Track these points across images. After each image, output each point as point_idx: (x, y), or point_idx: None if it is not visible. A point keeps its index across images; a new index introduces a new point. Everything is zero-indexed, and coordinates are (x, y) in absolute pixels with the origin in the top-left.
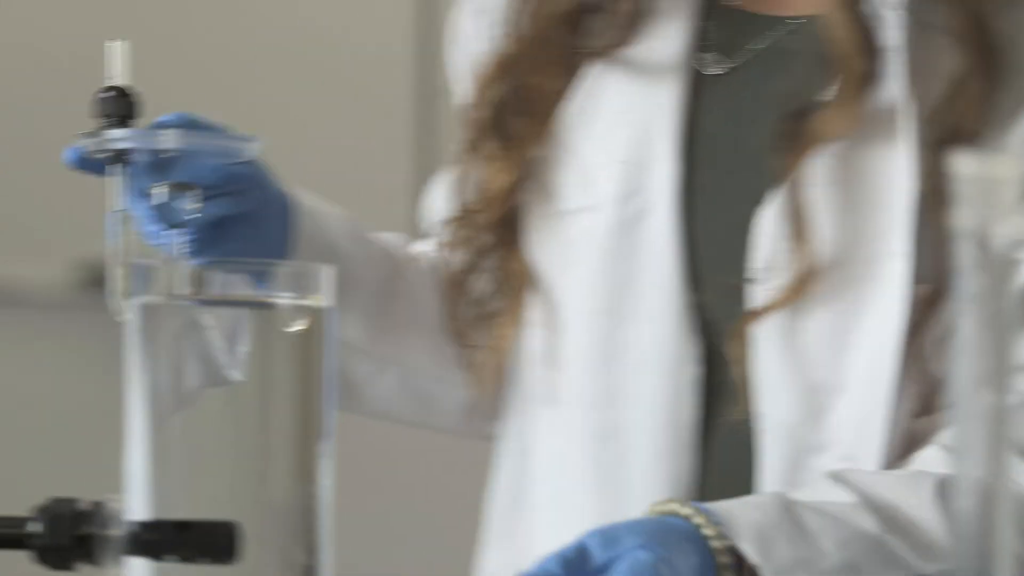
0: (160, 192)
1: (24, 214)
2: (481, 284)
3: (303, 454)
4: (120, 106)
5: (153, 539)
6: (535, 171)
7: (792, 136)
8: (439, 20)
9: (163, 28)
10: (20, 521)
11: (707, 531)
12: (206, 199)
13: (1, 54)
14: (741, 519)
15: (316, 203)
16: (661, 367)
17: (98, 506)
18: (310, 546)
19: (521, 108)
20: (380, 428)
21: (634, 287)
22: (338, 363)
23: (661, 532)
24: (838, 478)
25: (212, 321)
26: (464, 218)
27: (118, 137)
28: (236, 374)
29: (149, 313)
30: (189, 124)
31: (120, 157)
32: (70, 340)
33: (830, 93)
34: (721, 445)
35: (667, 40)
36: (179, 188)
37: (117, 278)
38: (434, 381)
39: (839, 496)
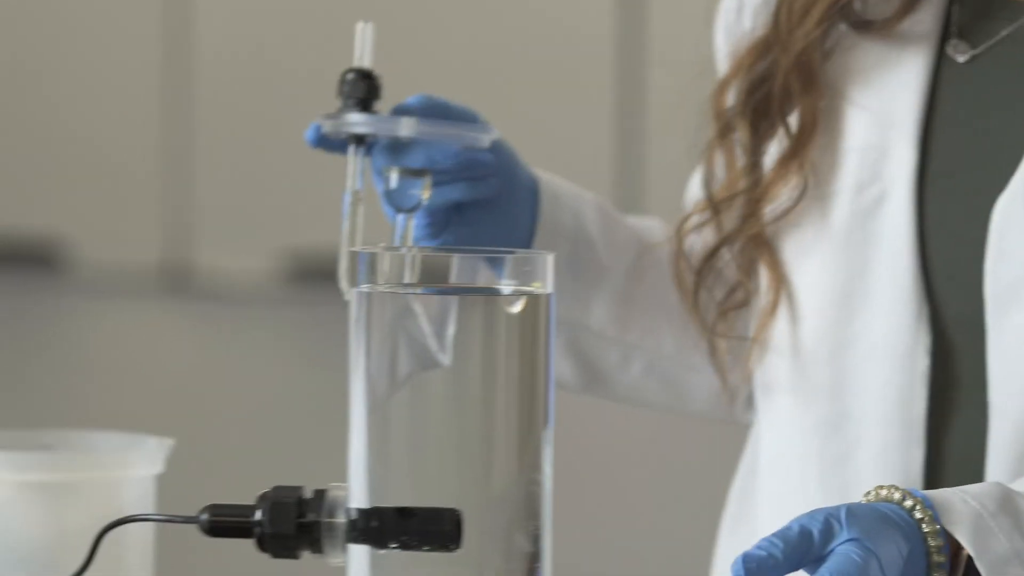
0: (392, 176)
1: (232, 206)
2: (725, 271)
3: (526, 441)
4: (363, 88)
5: (376, 527)
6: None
7: None
8: (641, 4)
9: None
10: (245, 510)
11: (922, 521)
12: (442, 184)
13: (216, 48)
14: (958, 507)
15: (565, 187)
16: (892, 358)
17: (321, 494)
18: (533, 534)
19: (776, 91)
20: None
21: (868, 277)
22: (586, 349)
23: (877, 524)
24: None
25: (427, 308)
26: (710, 204)
27: (357, 121)
28: (445, 359)
29: (372, 301)
30: (432, 107)
31: (359, 139)
32: (280, 332)
33: None
34: (952, 438)
35: (916, 23)
36: (412, 173)
37: (347, 259)
38: (682, 368)
39: None
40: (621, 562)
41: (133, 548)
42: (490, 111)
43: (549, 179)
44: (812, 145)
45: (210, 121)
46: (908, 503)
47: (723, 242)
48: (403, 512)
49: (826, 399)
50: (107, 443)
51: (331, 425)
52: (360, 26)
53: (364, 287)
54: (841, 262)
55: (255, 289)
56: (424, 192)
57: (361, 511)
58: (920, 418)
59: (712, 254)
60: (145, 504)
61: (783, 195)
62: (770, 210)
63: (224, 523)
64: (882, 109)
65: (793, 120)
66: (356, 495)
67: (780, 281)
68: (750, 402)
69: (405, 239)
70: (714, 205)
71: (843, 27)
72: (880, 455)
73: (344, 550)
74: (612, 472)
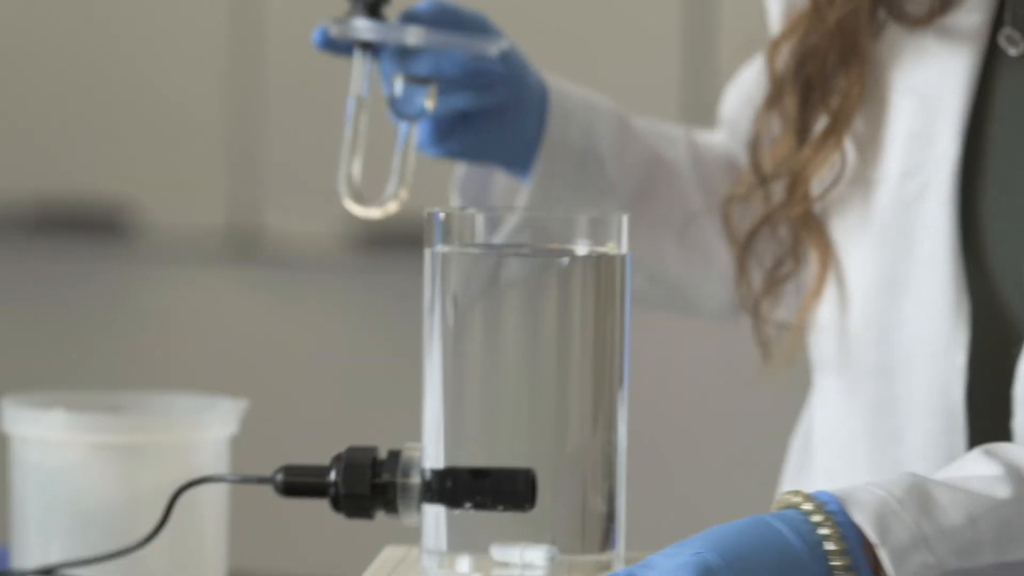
0: (397, 83)
1: (300, 169)
2: (772, 247)
3: (600, 401)
4: None
5: (450, 487)
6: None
7: None
8: None
9: None
10: (319, 470)
11: (816, 518)
12: (448, 92)
13: (285, 8)
14: (863, 497)
15: (579, 99)
16: (933, 349)
17: (396, 455)
18: (607, 494)
19: (826, 64)
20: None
21: (910, 266)
22: None
23: (734, 535)
24: (988, 451)
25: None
26: (756, 172)
27: (363, 27)
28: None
29: (447, 261)
30: (441, 14)
31: (366, 45)
32: (349, 296)
33: None
34: (995, 429)
35: (969, 13)
36: (417, 81)
37: (347, 163)
38: (687, 281)
39: (985, 469)
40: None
41: (207, 509)
42: (547, 48)
43: (562, 91)
44: (849, 123)
45: (278, 84)
46: (807, 507)
47: (769, 214)
48: (477, 472)
49: (873, 382)
50: (181, 405)
51: (403, 387)
52: None
53: (439, 247)
54: (886, 250)
55: (323, 253)
56: (428, 101)
57: (436, 471)
58: (959, 409)
59: (758, 227)
60: (219, 465)
61: (825, 175)
62: (815, 189)
63: (299, 483)
64: (930, 96)
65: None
66: (430, 456)
67: (828, 261)
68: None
69: (407, 147)
70: (760, 175)
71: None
72: (926, 441)
73: (418, 510)
74: (682, 432)
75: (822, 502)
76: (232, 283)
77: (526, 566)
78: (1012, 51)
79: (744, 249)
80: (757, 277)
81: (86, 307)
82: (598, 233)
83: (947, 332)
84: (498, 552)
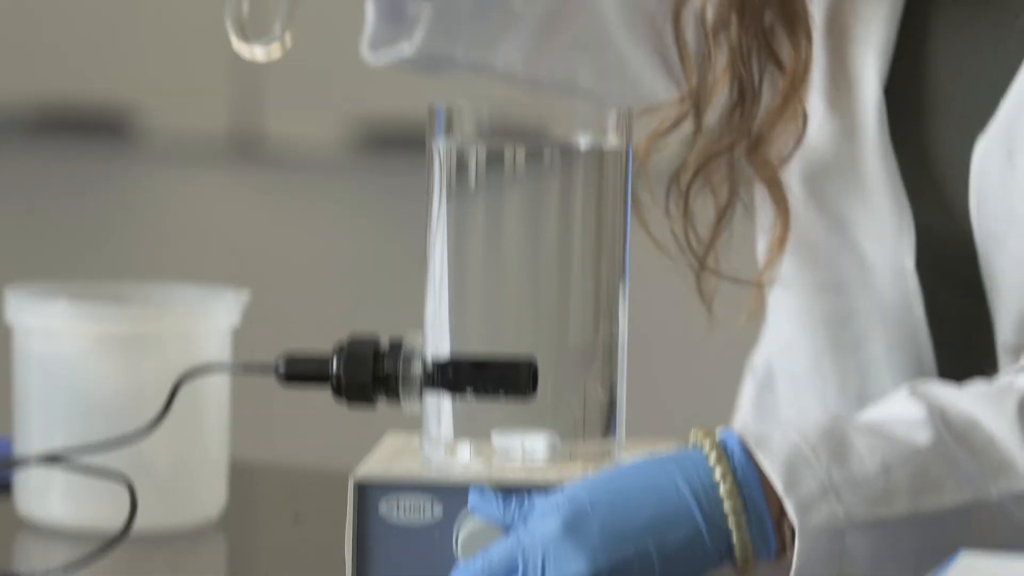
0: None
1: (302, 72)
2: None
3: (602, 292)
4: None
5: (452, 376)
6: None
7: None
8: None
9: None
10: (322, 358)
11: (713, 462)
12: None
13: None
14: (775, 442)
15: None
16: (885, 270)
17: (398, 343)
18: (608, 382)
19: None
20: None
21: (851, 194)
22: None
23: (621, 477)
24: (914, 391)
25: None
26: (694, 108)
27: None
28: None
29: (451, 154)
30: None
31: None
32: (350, 197)
33: None
34: (958, 340)
35: None
36: None
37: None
38: (603, 90)
39: (909, 412)
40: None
41: (209, 399)
42: None
43: None
44: (806, 81)
45: None
46: (707, 450)
47: (708, 158)
48: (479, 362)
49: (832, 296)
50: (184, 295)
51: (405, 283)
52: None
53: (442, 140)
54: (828, 175)
55: (325, 155)
56: None
57: (437, 360)
58: (919, 313)
59: (697, 172)
60: (221, 356)
61: (782, 138)
62: (773, 152)
63: (300, 371)
64: (858, 41)
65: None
66: (432, 345)
67: (788, 221)
68: None
69: None
70: (698, 108)
71: None
72: (889, 349)
73: (420, 398)
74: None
75: (726, 448)
76: (235, 185)
77: (527, 453)
78: None
79: (686, 195)
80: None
81: (90, 209)
82: (600, 126)
83: (893, 240)
84: (499, 439)
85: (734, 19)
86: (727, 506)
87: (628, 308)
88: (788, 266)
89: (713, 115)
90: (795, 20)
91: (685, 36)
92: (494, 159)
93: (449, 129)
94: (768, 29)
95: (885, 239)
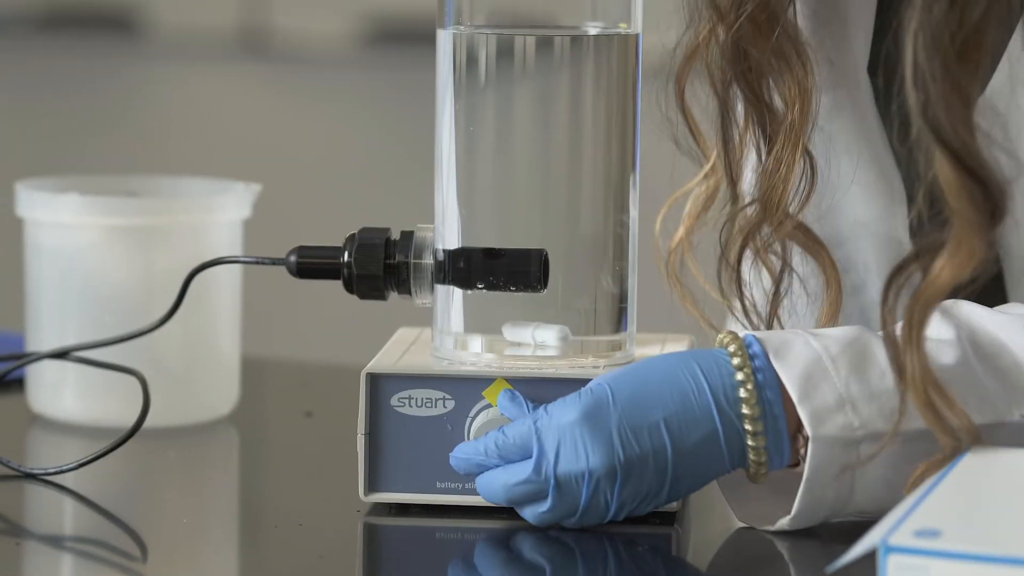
0: None
1: None
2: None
3: (613, 184)
4: None
5: (463, 267)
6: None
7: None
8: None
9: None
10: (333, 251)
11: (737, 362)
12: None
13: None
14: (795, 350)
15: None
16: (876, 214)
17: (408, 235)
18: (619, 275)
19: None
20: None
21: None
22: None
23: (645, 370)
24: (947, 312)
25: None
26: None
27: None
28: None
29: (462, 42)
30: None
31: None
32: (359, 92)
33: None
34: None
35: None
36: None
37: None
38: None
39: (938, 331)
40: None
41: (221, 293)
42: None
43: None
44: (807, 126)
45: None
46: (732, 350)
47: (749, 234)
48: (490, 252)
49: (834, 248)
50: (195, 188)
51: (414, 177)
52: None
53: (451, 28)
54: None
55: (333, 49)
56: None
57: (448, 252)
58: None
59: (742, 248)
60: (233, 248)
61: (797, 183)
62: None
63: (312, 264)
64: (852, 25)
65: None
66: (443, 238)
67: (838, 282)
68: None
69: None
70: (730, 177)
71: None
72: None
73: (431, 291)
74: None
75: (750, 351)
76: (243, 80)
77: (539, 345)
78: None
79: (737, 271)
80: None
81: (98, 104)
82: (610, 12)
83: (885, 202)
84: (510, 332)
85: (731, 73)
86: (745, 410)
87: (639, 200)
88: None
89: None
90: (789, 58)
91: (692, 110)
92: (504, 49)
93: (458, 19)
94: (757, 78)
95: (876, 191)
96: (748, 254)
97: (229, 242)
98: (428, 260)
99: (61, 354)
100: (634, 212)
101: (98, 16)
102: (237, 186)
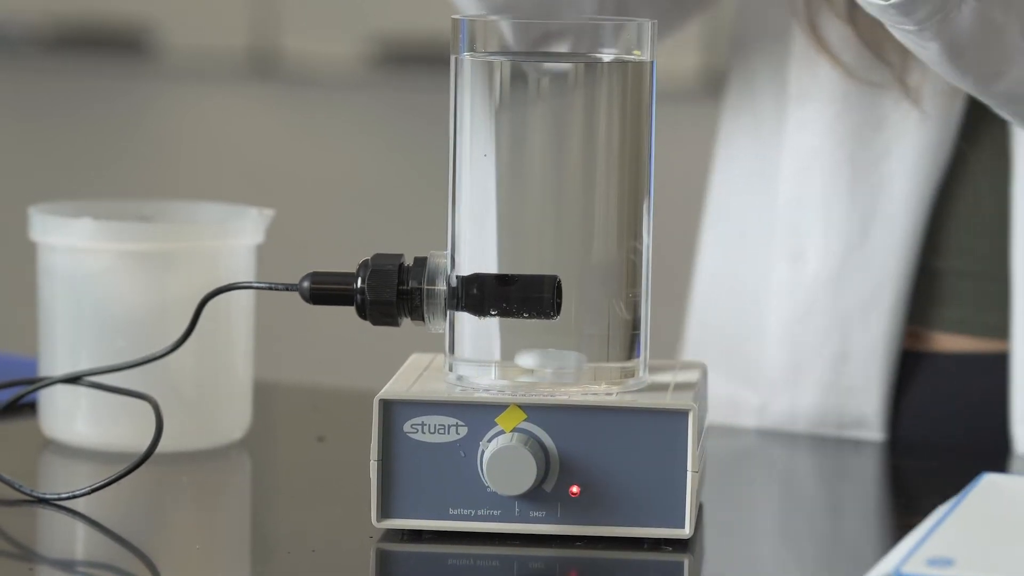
0: None
1: None
2: None
3: (626, 210)
4: None
5: (476, 294)
6: None
7: None
8: None
9: None
10: (346, 277)
11: None
12: None
13: None
14: None
15: None
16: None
17: (422, 262)
18: (632, 302)
19: None
20: None
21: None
22: None
23: None
24: None
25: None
26: None
27: None
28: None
29: (472, 69)
30: None
31: None
32: (369, 115)
33: None
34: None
35: None
36: None
37: None
38: None
39: None
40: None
41: (234, 318)
42: None
43: None
44: None
45: None
46: None
47: None
48: (503, 279)
49: (867, 103)
50: (208, 213)
51: (427, 201)
52: None
53: (465, 54)
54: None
55: (344, 72)
56: None
57: (461, 278)
58: (958, 118)
59: None
60: (246, 273)
61: None
62: None
63: (325, 290)
64: None
65: None
66: (456, 264)
67: None
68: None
69: None
70: None
71: None
72: (912, 159)
73: (444, 317)
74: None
75: None
76: (254, 102)
77: (552, 373)
78: None
79: None
80: None
81: (110, 125)
82: (624, 39)
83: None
84: (524, 358)
85: None
86: None
87: (652, 226)
88: (828, 75)
89: None
90: None
91: None
92: (517, 75)
93: (472, 43)
94: None
95: None
96: None
97: (242, 267)
98: (441, 287)
99: (74, 379)
100: (647, 239)
101: (108, 38)
102: (251, 211)
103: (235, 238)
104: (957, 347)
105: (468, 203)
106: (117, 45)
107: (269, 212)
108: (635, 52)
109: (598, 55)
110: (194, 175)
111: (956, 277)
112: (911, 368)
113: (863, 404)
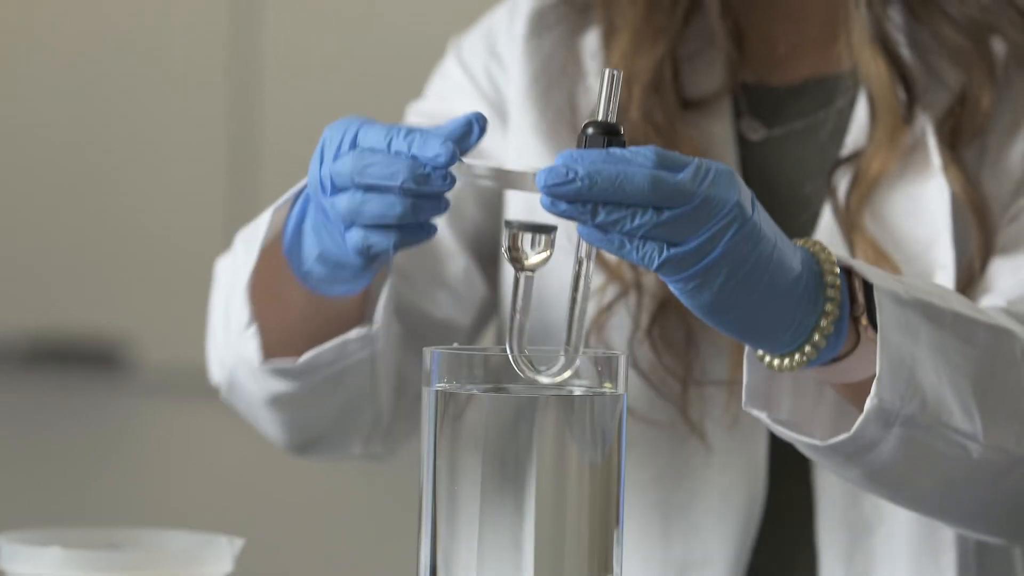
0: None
1: None
2: None
3: (597, 540)
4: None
5: None
6: None
7: (848, 182)
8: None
9: None
10: None
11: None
12: None
13: (280, 149)
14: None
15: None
16: None
17: None
18: None
19: None
20: None
21: None
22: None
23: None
24: (1009, 311)
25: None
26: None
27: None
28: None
29: (445, 400)
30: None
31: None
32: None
33: (873, 135)
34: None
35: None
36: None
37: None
38: None
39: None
40: None
41: None
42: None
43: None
44: None
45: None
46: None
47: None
48: None
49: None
50: (177, 542)
51: (400, 529)
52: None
53: (437, 386)
54: None
55: None
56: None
57: None
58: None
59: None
60: None
61: None
62: None
63: None
64: None
65: None
66: None
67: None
68: None
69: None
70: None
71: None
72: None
73: None
74: None
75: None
76: (228, 420)
77: None
78: (754, 136)
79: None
80: None
81: (80, 442)
82: (597, 373)
83: None
84: None
85: None
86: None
87: (623, 557)
88: None
89: None
90: None
91: None
92: (488, 407)
93: (445, 375)
94: None
95: None
96: None
97: None
98: None
99: None
100: (617, 569)
101: (82, 352)
102: (220, 540)
103: (204, 568)
104: None
105: (437, 532)
106: (90, 360)
107: (239, 541)
108: (606, 385)
109: (569, 388)
110: (169, 493)
111: None
112: None
113: None
